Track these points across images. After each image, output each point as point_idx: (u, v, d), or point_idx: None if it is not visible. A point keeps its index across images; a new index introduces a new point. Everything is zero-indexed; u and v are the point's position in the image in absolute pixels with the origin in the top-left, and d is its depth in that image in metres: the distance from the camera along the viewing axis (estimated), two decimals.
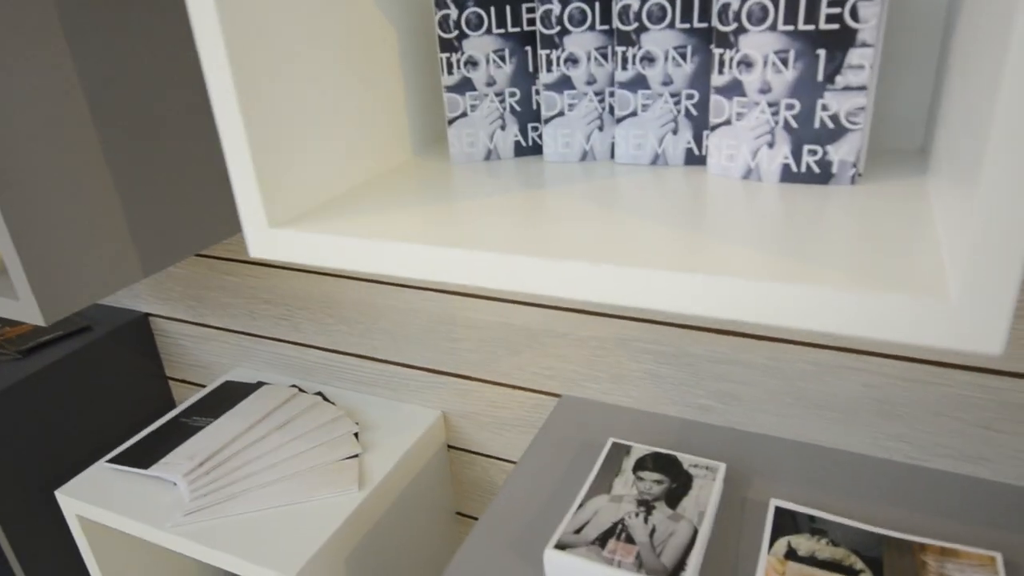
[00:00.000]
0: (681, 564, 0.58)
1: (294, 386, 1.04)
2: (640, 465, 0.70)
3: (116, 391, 1.14)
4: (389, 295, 0.93)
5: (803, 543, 0.61)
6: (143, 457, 0.90)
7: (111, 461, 0.91)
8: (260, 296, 1.04)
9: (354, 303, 0.96)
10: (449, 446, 1.00)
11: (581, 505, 0.65)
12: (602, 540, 0.61)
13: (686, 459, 0.70)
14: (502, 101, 0.63)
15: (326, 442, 0.91)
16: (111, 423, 1.14)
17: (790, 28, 0.48)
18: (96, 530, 0.92)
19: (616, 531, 0.62)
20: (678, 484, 0.67)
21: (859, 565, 0.58)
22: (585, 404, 0.85)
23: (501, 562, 0.63)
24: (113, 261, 0.74)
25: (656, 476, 0.68)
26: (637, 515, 0.64)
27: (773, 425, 0.76)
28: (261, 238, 0.53)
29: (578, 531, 0.62)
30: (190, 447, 0.91)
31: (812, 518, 0.64)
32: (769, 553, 0.60)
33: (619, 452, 0.72)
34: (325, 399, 1.01)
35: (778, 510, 0.65)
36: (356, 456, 0.89)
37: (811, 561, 0.59)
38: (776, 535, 0.62)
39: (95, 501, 0.86)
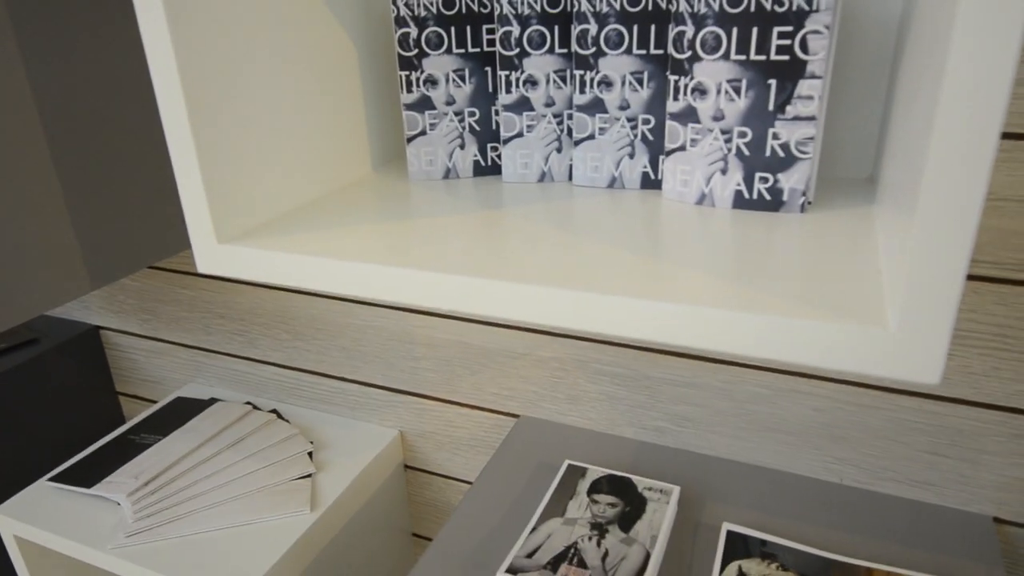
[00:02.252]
0: None
1: (248, 403, 1.02)
2: (595, 488, 0.70)
3: (63, 406, 1.10)
4: (347, 312, 0.91)
5: (754, 567, 0.61)
6: (87, 475, 0.88)
7: (53, 479, 0.88)
8: (215, 311, 1.02)
9: (311, 319, 0.95)
10: (406, 466, 0.99)
11: (534, 528, 0.65)
12: (554, 564, 0.60)
13: (641, 482, 0.70)
14: (461, 120, 0.63)
15: (278, 461, 0.89)
16: (57, 439, 1.10)
17: (742, 58, 0.49)
18: (34, 551, 0.88)
19: (568, 555, 0.61)
20: (632, 507, 0.67)
21: None
22: (542, 425, 0.85)
23: None
24: (61, 272, 0.72)
25: (610, 499, 0.68)
26: (590, 538, 0.63)
27: (726, 447, 0.77)
28: (210, 254, 0.52)
29: (530, 555, 0.62)
30: (136, 465, 0.88)
31: (763, 542, 0.64)
32: None
33: (574, 474, 0.72)
34: (280, 416, 0.99)
35: (730, 534, 0.65)
36: (309, 476, 0.87)
37: None
38: (727, 559, 0.62)
39: (34, 521, 0.83)
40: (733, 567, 0.61)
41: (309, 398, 1.01)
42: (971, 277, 0.60)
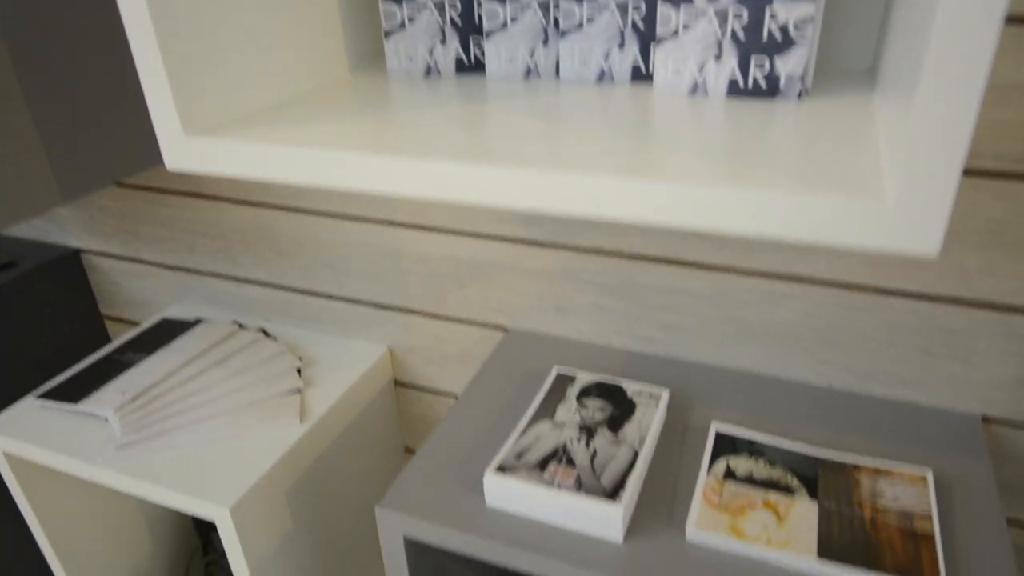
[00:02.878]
0: (620, 484, 0.58)
1: (235, 323, 1.01)
2: (584, 393, 0.70)
3: (46, 329, 1.09)
4: (333, 228, 0.89)
5: (741, 464, 0.62)
6: (73, 392, 0.87)
7: (40, 397, 0.87)
8: (197, 229, 0.99)
9: (295, 236, 0.93)
10: (396, 382, 0.99)
11: (524, 431, 0.65)
12: (542, 464, 0.60)
13: (630, 386, 0.70)
14: (442, 13, 0.60)
15: (267, 377, 0.88)
16: (43, 361, 1.09)
17: None
18: (24, 468, 0.88)
19: (557, 455, 0.61)
20: (621, 411, 0.67)
21: (795, 484, 0.59)
22: (531, 337, 0.84)
23: (441, 488, 0.62)
24: (30, 185, 0.70)
25: (599, 403, 0.68)
26: (579, 440, 0.63)
27: (716, 354, 0.77)
28: (177, 148, 0.49)
29: (519, 456, 0.62)
30: (122, 382, 0.87)
31: (751, 441, 0.64)
32: (708, 473, 0.61)
33: (563, 381, 0.72)
34: (267, 335, 0.98)
35: (718, 434, 0.65)
36: (298, 391, 0.87)
37: (749, 481, 0.60)
38: (716, 457, 0.63)
39: (22, 437, 0.82)
40: (721, 464, 0.62)
41: (297, 316, 1.00)
42: (970, 172, 0.59)
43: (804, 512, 0.57)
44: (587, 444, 0.63)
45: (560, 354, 0.80)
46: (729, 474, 0.61)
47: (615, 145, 0.43)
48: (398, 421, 1.01)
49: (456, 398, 0.95)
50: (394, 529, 0.61)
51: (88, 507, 0.97)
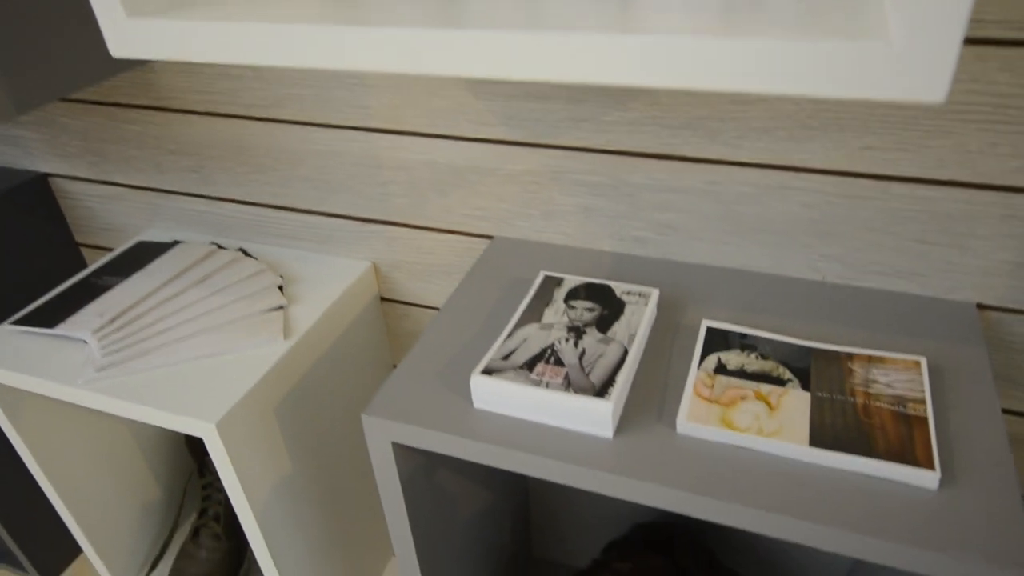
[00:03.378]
0: (609, 381, 0.56)
1: (213, 243, 0.98)
2: (572, 295, 0.68)
3: (20, 257, 1.06)
4: (306, 138, 0.85)
5: (733, 358, 0.60)
6: (50, 317, 0.85)
7: (16, 323, 0.85)
8: (165, 146, 0.95)
9: (268, 149, 0.89)
10: (382, 298, 0.97)
11: (510, 334, 0.63)
12: (530, 364, 0.59)
13: (619, 287, 0.68)
14: None
15: (248, 295, 0.86)
16: (17, 290, 1.07)
17: None
18: (5, 393, 0.87)
19: (545, 355, 0.60)
20: (610, 311, 0.65)
21: (787, 375, 0.58)
22: (517, 244, 0.81)
23: (428, 393, 0.61)
24: None
25: (588, 304, 0.66)
26: (567, 340, 0.62)
27: (709, 254, 0.74)
28: (120, 32, 0.45)
29: (506, 357, 0.60)
30: (100, 304, 0.85)
31: (743, 335, 0.63)
32: (699, 368, 0.60)
33: (551, 284, 0.70)
34: (247, 255, 0.95)
35: (710, 330, 0.64)
36: (281, 308, 0.85)
37: (740, 374, 0.59)
38: (707, 352, 0.61)
39: (1, 363, 0.80)
40: (712, 358, 0.60)
41: (275, 235, 0.97)
42: (975, 41, 0.55)
43: (796, 402, 0.56)
44: (575, 344, 0.61)
45: (548, 260, 0.78)
46: (720, 368, 0.59)
47: (598, 4, 0.39)
48: (386, 337, 1.00)
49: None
50: (381, 436, 0.60)
51: (79, 434, 0.97)
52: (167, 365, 0.77)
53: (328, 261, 0.94)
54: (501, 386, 0.57)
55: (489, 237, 0.84)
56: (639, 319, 0.64)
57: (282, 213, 0.94)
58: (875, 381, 0.57)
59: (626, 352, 0.60)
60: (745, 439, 0.53)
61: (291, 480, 0.84)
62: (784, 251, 0.71)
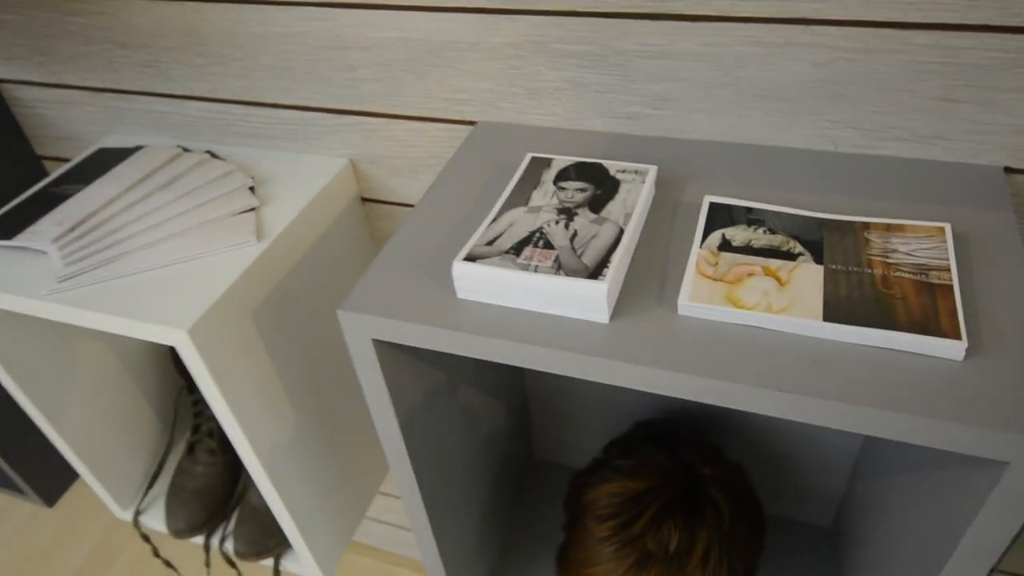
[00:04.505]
0: (604, 262, 0.52)
1: (179, 147, 0.91)
2: (562, 176, 0.62)
3: None
4: (264, 19, 0.77)
5: (738, 234, 0.55)
6: (6, 229, 0.79)
7: None
8: (115, 39, 0.87)
9: (225, 36, 0.81)
10: (363, 198, 0.91)
11: (495, 219, 0.58)
12: (517, 249, 0.54)
13: (613, 165, 0.62)
14: None
15: (217, 198, 0.80)
16: None
17: None
18: None
19: (533, 239, 0.55)
20: (604, 190, 0.60)
21: (798, 249, 0.53)
22: (503, 129, 0.75)
23: (408, 286, 0.56)
24: None
25: (579, 184, 0.61)
26: (557, 223, 0.56)
27: (711, 127, 0.68)
28: None
29: (491, 243, 0.55)
30: (59, 213, 0.79)
31: (749, 209, 0.58)
32: (702, 246, 0.55)
33: (538, 166, 0.64)
34: (215, 156, 0.89)
35: (712, 205, 0.59)
36: (252, 210, 0.79)
37: (747, 250, 0.54)
38: (710, 229, 0.56)
39: None
40: (716, 235, 0.55)
41: (244, 134, 0.91)
42: None
43: (808, 276, 0.51)
44: (566, 226, 0.56)
45: (535, 143, 0.72)
46: (725, 245, 0.54)
47: None
48: (369, 239, 0.95)
49: None
50: (360, 332, 0.56)
51: (59, 355, 0.93)
52: (134, 273, 0.72)
53: (301, 160, 0.88)
54: (485, 272, 0.52)
55: (471, 123, 0.77)
56: (635, 197, 0.58)
57: (248, 109, 0.87)
58: (895, 250, 0.52)
59: (622, 232, 0.55)
60: (753, 316, 0.49)
61: (276, 388, 0.81)
62: (791, 120, 0.65)
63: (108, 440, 1.03)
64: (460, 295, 0.55)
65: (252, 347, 0.75)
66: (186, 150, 0.90)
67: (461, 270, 0.53)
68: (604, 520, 0.77)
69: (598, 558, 0.76)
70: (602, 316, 0.51)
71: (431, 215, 0.63)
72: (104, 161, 0.90)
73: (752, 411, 0.46)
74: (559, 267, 0.52)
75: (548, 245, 0.54)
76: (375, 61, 0.76)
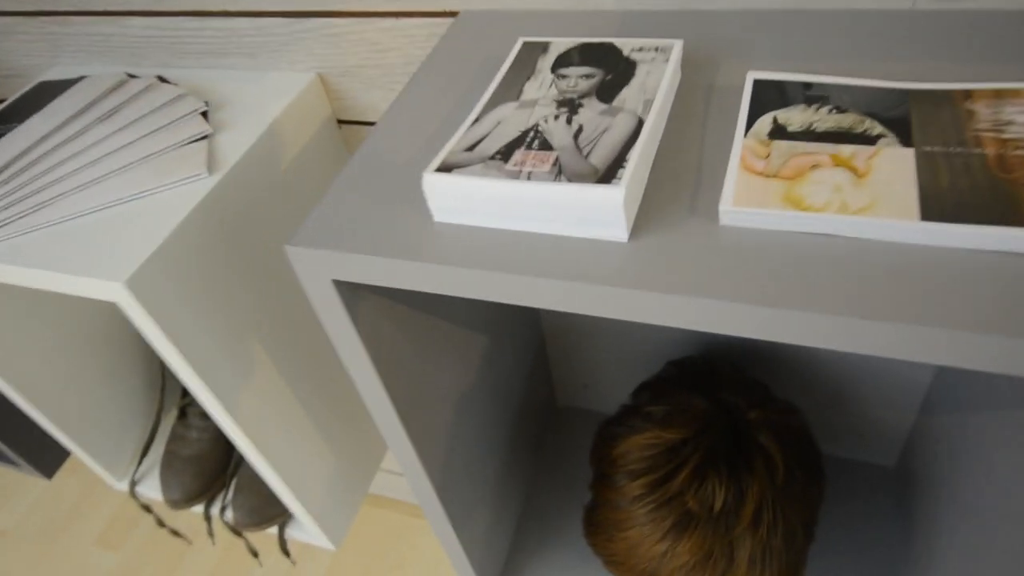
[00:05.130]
0: (619, 162, 0.39)
1: (125, 74, 0.79)
2: (562, 61, 0.49)
3: None
4: None
5: (795, 116, 0.42)
6: None
7: None
8: None
9: None
10: (340, 120, 0.78)
11: (477, 119, 0.45)
12: (505, 153, 0.42)
13: (627, 43, 0.49)
14: None
15: (164, 126, 0.69)
16: None
17: None
18: None
19: (526, 139, 0.42)
20: (616, 75, 0.46)
21: (878, 129, 0.40)
22: (490, 16, 0.61)
23: (372, 211, 0.44)
24: None
25: (585, 70, 0.48)
26: (557, 117, 0.44)
27: None
28: None
29: (471, 148, 0.43)
30: None
31: (807, 85, 0.44)
32: (747, 136, 0.42)
33: (533, 52, 0.51)
34: (164, 81, 0.77)
35: (757, 83, 0.45)
36: (205, 138, 0.67)
37: (807, 135, 0.41)
38: (756, 113, 0.43)
39: None
40: (765, 120, 0.42)
41: (198, 53, 0.78)
42: None
43: (895, 163, 0.38)
44: (568, 120, 0.43)
45: (530, 30, 0.58)
46: (778, 131, 0.41)
47: None
48: None
49: None
50: (316, 273, 0.45)
51: (21, 322, 0.84)
52: (67, 219, 0.62)
53: (263, 78, 0.75)
54: (464, 184, 0.40)
55: (453, 13, 0.64)
56: (657, 80, 0.45)
57: (199, 21, 0.75)
58: (1010, 122, 0.39)
59: (641, 122, 0.42)
60: (823, 220, 0.36)
61: (245, 342, 0.71)
62: None
63: (93, 409, 0.95)
64: (437, 218, 0.43)
65: (211, 297, 0.65)
66: (133, 77, 0.78)
67: (433, 183, 0.41)
68: (637, 476, 0.66)
69: (632, 520, 0.66)
70: (619, 233, 0.39)
71: (402, 125, 0.51)
72: (43, 95, 0.78)
73: (830, 348, 0.34)
74: (560, 172, 0.39)
75: (545, 145, 0.41)
76: None
